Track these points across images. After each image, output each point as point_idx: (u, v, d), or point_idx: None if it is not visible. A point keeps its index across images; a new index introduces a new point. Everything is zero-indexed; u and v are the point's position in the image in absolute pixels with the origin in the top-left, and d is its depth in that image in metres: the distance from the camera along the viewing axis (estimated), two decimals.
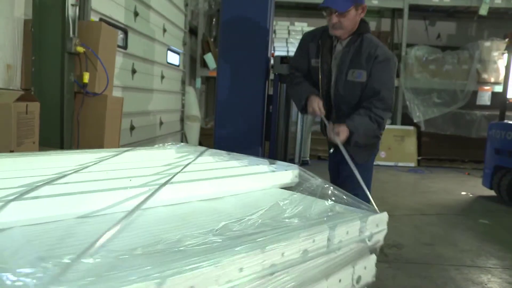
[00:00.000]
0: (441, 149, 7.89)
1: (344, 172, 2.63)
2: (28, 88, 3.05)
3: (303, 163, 3.06)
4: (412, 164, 7.81)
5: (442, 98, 7.83)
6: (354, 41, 2.43)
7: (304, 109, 2.55)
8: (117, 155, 1.76)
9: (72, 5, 3.04)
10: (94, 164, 1.51)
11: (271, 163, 1.72)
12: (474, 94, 7.84)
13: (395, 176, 6.90)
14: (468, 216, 4.55)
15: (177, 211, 1.20)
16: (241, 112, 2.94)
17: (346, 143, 2.30)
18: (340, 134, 2.31)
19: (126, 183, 1.23)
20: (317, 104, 2.43)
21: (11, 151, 2.50)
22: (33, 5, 3.01)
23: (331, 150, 2.66)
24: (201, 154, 1.83)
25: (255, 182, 1.52)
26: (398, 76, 7.99)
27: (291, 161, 3.09)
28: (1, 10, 2.90)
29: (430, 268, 3.09)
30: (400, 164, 7.76)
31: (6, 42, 3.00)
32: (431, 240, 3.70)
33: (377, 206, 3.74)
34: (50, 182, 1.18)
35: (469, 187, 6.11)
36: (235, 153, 1.88)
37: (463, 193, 5.75)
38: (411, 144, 7.90)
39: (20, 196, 1.01)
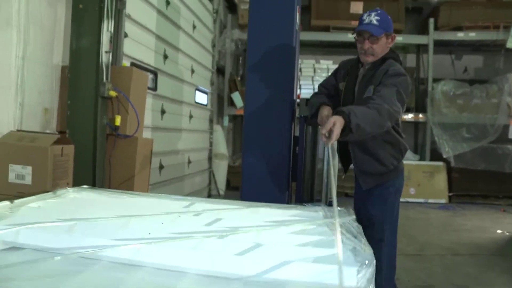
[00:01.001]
0: (473, 185, 7.68)
1: (364, 212, 2.62)
2: (63, 130, 3.19)
3: (330, 204, 3.04)
4: (443, 201, 7.62)
5: (472, 133, 7.69)
6: (377, 64, 2.53)
7: (313, 116, 2.63)
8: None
9: (106, 51, 3.20)
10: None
11: None
12: (506, 128, 7.67)
13: (425, 213, 6.74)
14: (505, 257, 4.38)
15: None
16: (268, 153, 2.98)
17: (344, 132, 2.11)
18: (334, 129, 2.06)
19: None
20: (325, 113, 2.49)
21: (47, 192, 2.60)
22: (70, 52, 3.19)
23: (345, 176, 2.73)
24: None
25: None
26: (425, 111, 7.95)
27: (318, 201, 3.08)
28: (41, 58, 3.08)
29: None
30: (430, 200, 7.59)
31: (45, 87, 3.17)
32: (464, 282, 3.58)
33: (406, 245, 3.66)
34: None
35: (505, 224, 5.90)
36: None
37: (499, 231, 5.56)
38: (441, 180, 7.74)
39: None
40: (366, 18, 2.50)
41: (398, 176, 2.64)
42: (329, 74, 2.93)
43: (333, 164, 2.08)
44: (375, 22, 2.46)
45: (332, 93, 2.73)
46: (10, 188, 2.62)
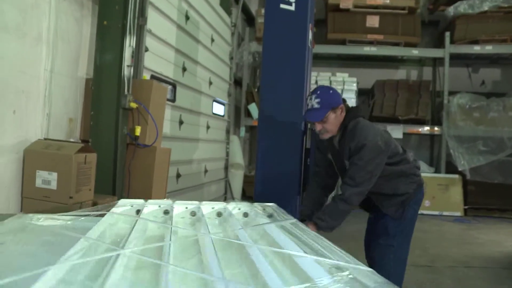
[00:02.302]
0: (489, 198, 7.64)
1: (381, 223, 2.73)
2: (86, 139, 3.37)
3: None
4: (458, 214, 7.60)
5: (488, 146, 7.67)
6: (342, 135, 2.65)
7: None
8: None
9: (128, 65, 3.38)
10: None
11: None
12: None
13: (439, 226, 6.74)
14: None
15: None
16: (280, 165, 3.10)
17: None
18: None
19: None
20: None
21: (70, 197, 2.78)
22: (94, 66, 3.38)
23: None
24: None
25: None
26: (440, 124, 7.96)
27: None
28: (68, 71, 3.28)
29: None
30: (445, 213, 7.58)
31: (70, 98, 3.36)
32: None
33: (418, 257, 3.68)
34: None
35: None
36: None
37: None
38: (456, 193, 7.72)
39: None
40: (309, 103, 2.61)
41: (420, 191, 2.76)
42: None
43: None
44: (316, 105, 2.56)
45: (327, 165, 2.86)
46: (37, 192, 2.81)
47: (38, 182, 2.81)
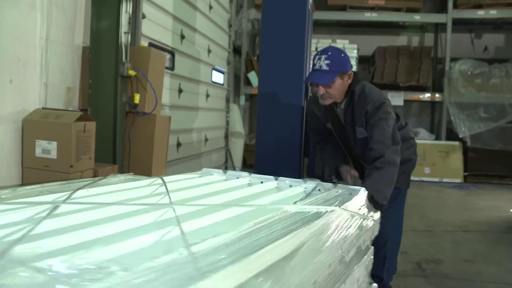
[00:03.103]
0: (489, 165, 7.67)
1: None
2: (85, 108, 3.35)
3: (341, 179, 3.15)
4: (458, 180, 7.65)
5: (489, 113, 7.64)
6: (349, 102, 2.51)
7: (332, 173, 2.75)
8: None
9: (125, 32, 3.32)
10: None
11: None
12: None
13: (439, 192, 6.79)
14: None
15: None
16: (280, 130, 3.09)
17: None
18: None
19: None
20: (349, 176, 2.60)
21: (71, 166, 2.78)
22: (90, 33, 3.32)
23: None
24: None
25: None
26: (442, 90, 7.91)
27: (329, 176, 3.19)
28: (64, 39, 3.22)
29: (469, 285, 3.09)
30: (445, 180, 7.62)
31: (67, 67, 3.31)
32: (473, 257, 3.67)
33: (417, 222, 3.66)
34: None
35: None
36: None
37: None
38: (456, 160, 7.75)
39: None
40: (316, 63, 2.42)
41: (416, 154, 2.77)
42: (309, 115, 2.97)
43: None
44: (325, 67, 2.38)
45: (323, 133, 2.77)
46: (37, 162, 2.80)
47: (38, 152, 2.81)
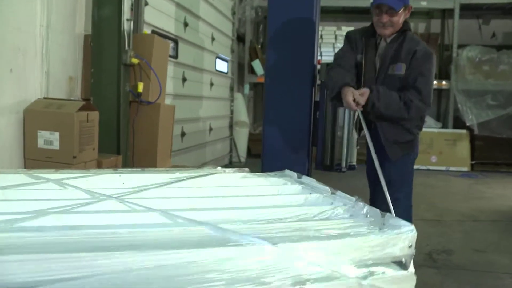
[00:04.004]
0: (496, 153, 7.57)
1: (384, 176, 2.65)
2: (87, 98, 3.27)
3: (350, 168, 3.08)
4: (465, 169, 7.55)
5: (497, 100, 7.51)
6: (397, 38, 2.52)
7: (336, 99, 2.56)
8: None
9: (127, 19, 3.23)
10: None
11: None
12: None
13: (447, 181, 6.71)
14: None
15: None
16: (289, 119, 3.01)
17: (365, 107, 2.38)
18: (361, 98, 2.37)
19: None
20: (351, 97, 2.38)
21: (74, 157, 2.71)
22: (92, 21, 3.23)
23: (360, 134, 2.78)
24: None
25: None
26: (449, 78, 7.79)
27: (338, 166, 3.13)
28: (64, 27, 3.14)
29: (482, 276, 3.02)
30: (452, 168, 7.53)
31: (69, 56, 3.24)
32: (484, 247, 3.60)
33: (425, 211, 3.63)
34: None
35: None
36: None
37: None
38: (463, 148, 7.64)
39: None
40: None
41: (418, 142, 2.70)
42: (345, 45, 2.82)
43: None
44: None
45: (350, 67, 2.62)
46: (40, 153, 2.74)
47: (40, 143, 2.74)
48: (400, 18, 2.47)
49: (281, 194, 1.52)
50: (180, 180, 1.61)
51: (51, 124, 2.72)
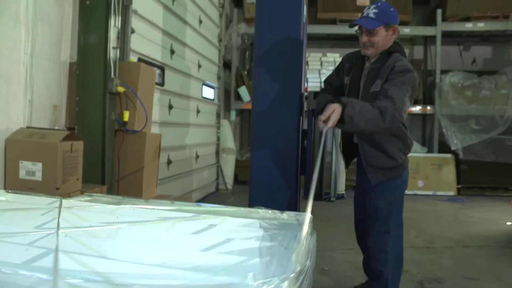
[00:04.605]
0: (481, 177, 7.62)
1: (370, 204, 2.63)
2: (72, 126, 3.21)
3: (338, 197, 3.04)
4: (452, 193, 7.58)
5: (481, 125, 7.63)
6: (382, 58, 2.53)
7: (320, 113, 2.51)
8: None
9: (114, 47, 3.21)
10: None
11: None
12: None
13: (434, 205, 6.71)
14: None
15: None
16: (276, 147, 2.97)
17: (340, 122, 2.25)
18: (331, 116, 2.23)
19: None
20: (329, 113, 2.27)
21: (57, 189, 2.63)
22: (78, 48, 3.21)
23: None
24: None
25: None
26: (433, 103, 7.89)
27: (327, 195, 3.08)
28: (50, 54, 3.09)
29: None
30: (438, 193, 7.55)
31: (53, 84, 3.18)
32: (475, 274, 3.56)
33: (415, 237, 3.62)
34: None
35: None
36: None
37: (508, 223, 5.52)
38: (449, 173, 7.69)
39: None
40: (365, 12, 2.51)
41: (405, 169, 2.66)
42: (335, 67, 2.92)
43: (323, 152, 2.42)
44: (371, 15, 2.46)
45: (337, 88, 2.73)
46: (21, 184, 2.65)
47: (22, 173, 2.66)
48: (381, 38, 2.48)
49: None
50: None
51: (33, 154, 2.65)
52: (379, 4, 2.50)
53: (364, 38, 2.49)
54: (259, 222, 1.67)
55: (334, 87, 2.75)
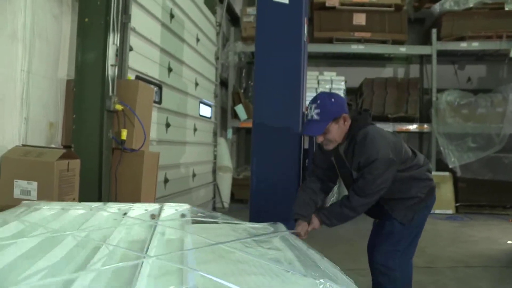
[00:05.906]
0: (480, 195, 7.59)
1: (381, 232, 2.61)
2: (68, 144, 3.15)
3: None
4: (450, 211, 7.53)
5: (477, 143, 7.63)
6: (349, 144, 2.50)
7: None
8: None
9: (112, 65, 3.17)
10: None
11: None
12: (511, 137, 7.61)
13: (433, 224, 6.63)
14: None
15: None
16: (277, 166, 2.94)
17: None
18: (307, 230, 2.49)
19: None
20: (301, 229, 2.46)
21: None
22: (75, 66, 3.16)
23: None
24: None
25: None
26: (429, 121, 7.91)
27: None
28: (47, 72, 3.05)
29: None
30: (437, 211, 7.48)
31: (50, 101, 3.13)
32: None
33: (415, 257, 3.63)
34: None
35: None
36: None
37: (509, 242, 5.47)
38: (447, 191, 7.65)
39: None
40: (309, 113, 2.46)
41: (431, 195, 2.67)
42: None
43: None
44: (315, 117, 2.41)
45: (326, 169, 2.69)
46: (15, 203, 2.56)
47: (17, 193, 2.58)
48: (335, 132, 2.44)
49: None
50: None
51: (29, 173, 2.58)
52: (319, 101, 2.43)
53: (320, 139, 2.49)
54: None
55: (321, 167, 2.71)
